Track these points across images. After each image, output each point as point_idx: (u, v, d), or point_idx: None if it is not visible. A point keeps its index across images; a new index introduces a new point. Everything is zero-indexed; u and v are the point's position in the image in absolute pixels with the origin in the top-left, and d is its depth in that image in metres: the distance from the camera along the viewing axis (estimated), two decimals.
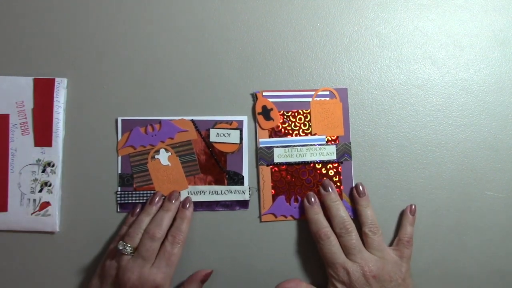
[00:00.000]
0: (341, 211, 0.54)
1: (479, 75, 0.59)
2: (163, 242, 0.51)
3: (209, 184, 0.56)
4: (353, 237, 0.52)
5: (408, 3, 0.59)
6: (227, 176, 0.56)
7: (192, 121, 0.56)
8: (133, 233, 0.51)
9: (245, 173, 0.56)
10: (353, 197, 0.56)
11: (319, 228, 0.53)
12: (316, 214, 0.54)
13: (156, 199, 0.54)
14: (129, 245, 0.50)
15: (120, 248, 0.50)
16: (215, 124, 0.56)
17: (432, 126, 0.58)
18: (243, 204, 0.56)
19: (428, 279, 0.57)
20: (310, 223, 0.54)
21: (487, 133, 0.58)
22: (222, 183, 0.56)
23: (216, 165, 0.56)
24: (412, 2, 0.59)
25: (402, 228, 0.56)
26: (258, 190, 0.56)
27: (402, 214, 0.57)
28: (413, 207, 0.56)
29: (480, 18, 0.60)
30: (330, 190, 0.55)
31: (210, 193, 0.56)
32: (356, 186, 0.56)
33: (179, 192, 0.55)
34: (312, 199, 0.55)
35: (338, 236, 0.53)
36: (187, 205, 0.54)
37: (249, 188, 0.56)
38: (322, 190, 0.55)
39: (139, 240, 0.50)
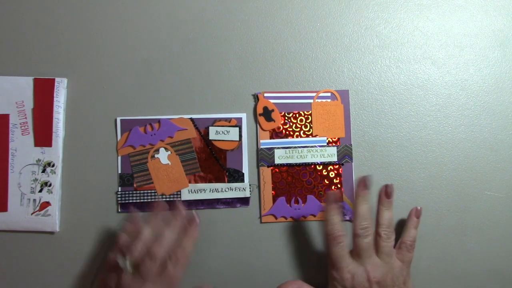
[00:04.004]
0: (365, 211, 0.51)
1: (479, 75, 0.59)
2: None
3: (210, 182, 0.56)
4: (369, 241, 0.50)
5: (408, 3, 0.59)
6: (227, 174, 0.56)
7: (191, 119, 0.56)
8: (133, 248, 0.49)
9: (245, 170, 0.56)
10: (379, 196, 0.53)
11: (334, 231, 0.51)
12: (335, 215, 0.52)
13: (158, 210, 0.52)
14: (129, 262, 0.48)
15: (120, 264, 0.48)
16: (214, 122, 0.56)
17: (432, 126, 0.58)
18: (244, 201, 0.56)
19: (428, 279, 0.57)
20: (326, 223, 0.51)
21: (487, 133, 0.58)
22: (222, 181, 0.56)
23: (216, 163, 0.56)
24: (412, 2, 0.59)
25: (406, 231, 0.54)
26: (259, 191, 0.56)
27: (408, 217, 0.55)
28: (418, 208, 0.55)
29: (480, 18, 0.60)
30: (367, 189, 0.52)
31: (211, 191, 0.56)
32: (387, 187, 0.53)
33: (184, 207, 0.53)
34: (333, 201, 0.52)
35: (354, 234, 0.51)
36: (193, 222, 0.52)
37: (250, 185, 0.56)
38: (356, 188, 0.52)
39: (140, 256, 0.48)
